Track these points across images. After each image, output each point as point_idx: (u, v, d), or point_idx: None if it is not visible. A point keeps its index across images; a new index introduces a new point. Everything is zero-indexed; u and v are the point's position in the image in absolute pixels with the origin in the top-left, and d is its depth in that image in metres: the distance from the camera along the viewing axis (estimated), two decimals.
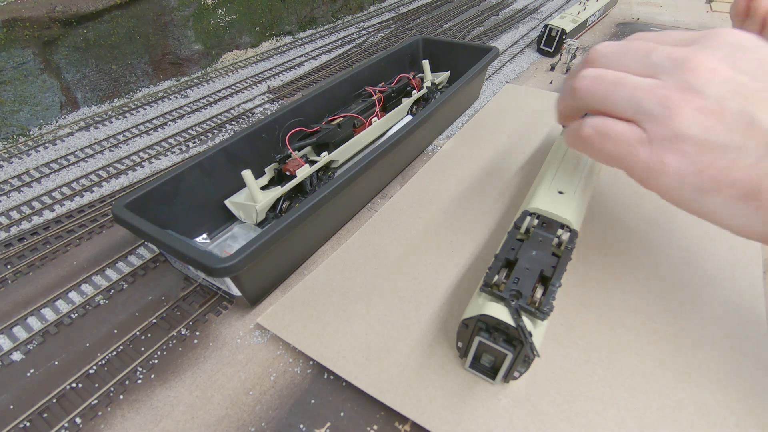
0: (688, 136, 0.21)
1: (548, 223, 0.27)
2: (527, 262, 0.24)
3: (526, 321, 0.22)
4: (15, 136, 0.53)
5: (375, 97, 0.49)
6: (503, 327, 0.22)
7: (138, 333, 0.31)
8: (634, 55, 0.24)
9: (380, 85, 0.52)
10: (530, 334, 0.21)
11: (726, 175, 0.21)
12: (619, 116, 0.24)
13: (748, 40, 0.22)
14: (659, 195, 0.24)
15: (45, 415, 0.27)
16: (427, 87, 0.55)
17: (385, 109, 0.51)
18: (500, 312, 0.22)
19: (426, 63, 0.56)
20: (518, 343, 0.22)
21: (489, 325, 0.23)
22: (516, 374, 0.24)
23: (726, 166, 0.21)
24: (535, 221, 0.27)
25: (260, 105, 0.62)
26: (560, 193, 0.29)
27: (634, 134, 0.23)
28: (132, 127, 0.56)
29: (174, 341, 0.30)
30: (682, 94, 0.22)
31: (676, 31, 0.25)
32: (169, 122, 0.57)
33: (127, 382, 0.28)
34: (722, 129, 0.21)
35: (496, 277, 0.24)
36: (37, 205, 0.43)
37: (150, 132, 0.55)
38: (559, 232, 0.26)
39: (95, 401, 0.27)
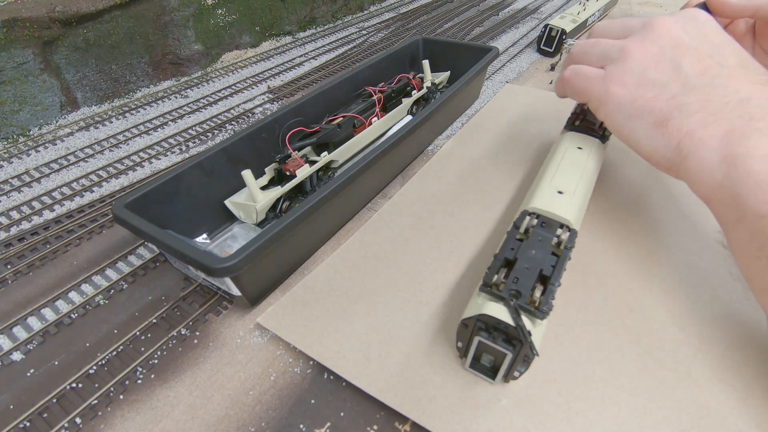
0: (631, 71, 0.28)
1: (547, 223, 0.27)
2: (526, 262, 0.24)
3: (526, 320, 0.22)
4: (15, 136, 0.53)
5: (375, 97, 0.49)
6: (502, 326, 0.22)
7: (138, 333, 0.31)
8: (615, 25, 0.32)
9: (380, 85, 0.52)
10: (529, 334, 0.21)
11: (649, 105, 0.27)
12: (593, 65, 0.32)
13: (703, 14, 0.29)
14: (604, 122, 0.31)
15: (45, 415, 0.27)
16: (427, 87, 0.55)
17: (385, 109, 0.51)
18: (499, 311, 0.22)
19: (426, 63, 0.56)
20: (518, 342, 0.22)
21: (488, 325, 0.23)
22: (516, 374, 0.24)
23: (651, 98, 0.27)
24: (535, 221, 0.27)
25: (260, 105, 0.62)
26: (560, 192, 0.29)
27: (596, 73, 0.31)
28: (132, 127, 0.56)
29: (174, 341, 0.31)
30: (638, 43, 0.29)
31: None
32: (169, 122, 0.57)
33: (127, 382, 0.28)
34: (656, 68, 0.28)
35: (495, 277, 0.24)
36: (37, 205, 0.43)
37: (150, 132, 0.55)
38: (559, 231, 0.26)
39: (95, 401, 0.27)
